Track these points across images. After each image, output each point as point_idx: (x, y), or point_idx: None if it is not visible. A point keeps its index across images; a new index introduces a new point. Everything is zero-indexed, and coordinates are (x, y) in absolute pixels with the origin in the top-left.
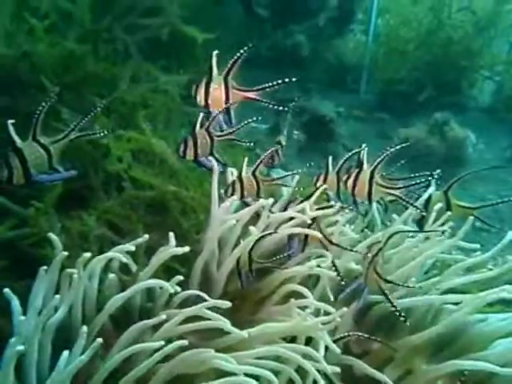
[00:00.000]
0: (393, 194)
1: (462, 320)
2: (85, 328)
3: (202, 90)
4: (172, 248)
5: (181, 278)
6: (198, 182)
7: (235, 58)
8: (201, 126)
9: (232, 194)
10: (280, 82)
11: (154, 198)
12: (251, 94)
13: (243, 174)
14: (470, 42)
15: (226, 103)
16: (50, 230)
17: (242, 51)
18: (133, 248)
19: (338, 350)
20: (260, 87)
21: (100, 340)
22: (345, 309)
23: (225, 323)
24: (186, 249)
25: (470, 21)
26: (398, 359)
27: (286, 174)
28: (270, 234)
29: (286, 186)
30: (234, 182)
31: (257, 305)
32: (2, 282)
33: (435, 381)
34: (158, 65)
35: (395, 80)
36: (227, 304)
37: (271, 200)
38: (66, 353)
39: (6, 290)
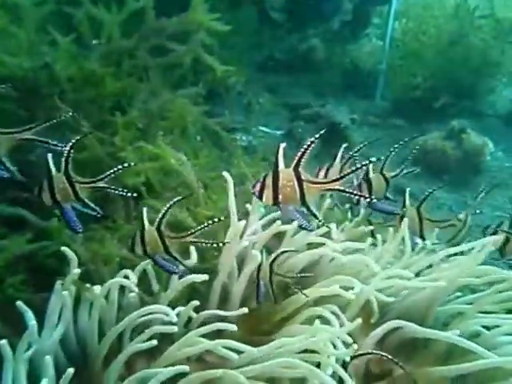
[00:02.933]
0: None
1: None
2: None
3: (269, 187)
4: (193, 276)
5: (197, 303)
6: (218, 197)
7: (305, 147)
8: None
9: None
10: (362, 165)
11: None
12: (329, 186)
13: None
14: (490, 48)
15: (301, 198)
16: (71, 241)
17: (311, 140)
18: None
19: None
20: (337, 177)
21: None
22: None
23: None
24: (206, 277)
25: (492, 28)
26: None
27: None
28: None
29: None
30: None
31: (274, 326)
32: (19, 294)
33: None
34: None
35: (411, 86)
36: (244, 311)
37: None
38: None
39: (19, 303)
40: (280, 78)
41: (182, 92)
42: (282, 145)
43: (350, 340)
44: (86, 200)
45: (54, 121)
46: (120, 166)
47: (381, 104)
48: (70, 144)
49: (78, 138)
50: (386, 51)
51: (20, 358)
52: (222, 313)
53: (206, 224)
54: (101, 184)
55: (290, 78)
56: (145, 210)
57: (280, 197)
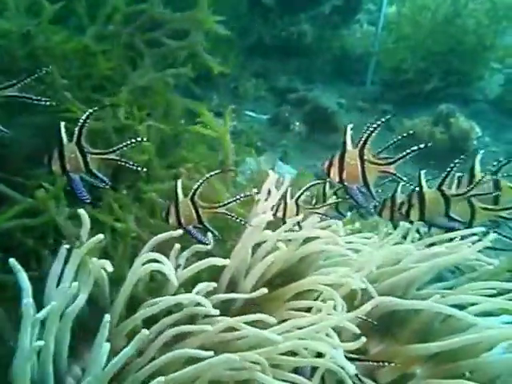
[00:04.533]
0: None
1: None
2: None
3: (336, 165)
4: (214, 259)
5: (212, 286)
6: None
7: (370, 130)
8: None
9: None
10: (413, 150)
11: None
12: (387, 168)
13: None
14: (483, 33)
15: (362, 178)
16: (57, 214)
17: (377, 123)
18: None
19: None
20: (395, 159)
21: (146, 332)
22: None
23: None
24: (226, 261)
25: (487, 11)
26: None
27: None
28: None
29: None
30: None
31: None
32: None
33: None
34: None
35: (402, 70)
36: (264, 291)
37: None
38: (107, 345)
39: (12, 260)
40: (269, 63)
41: (170, 71)
42: (350, 125)
43: (357, 330)
44: (96, 171)
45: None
46: (133, 140)
47: (370, 89)
48: (86, 114)
49: (96, 108)
50: (378, 36)
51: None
52: (235, 295)
53: (238, 197)
54: (112, 156)
55: (279, 62)
56: (179, 181)
57: (344, 175)
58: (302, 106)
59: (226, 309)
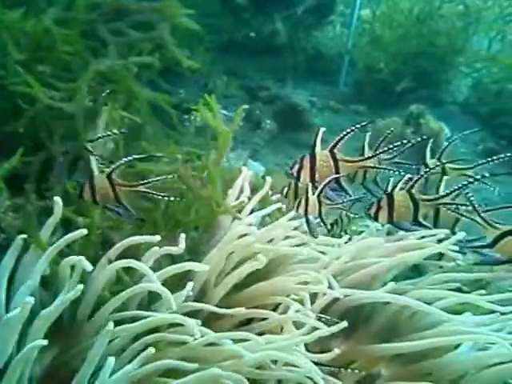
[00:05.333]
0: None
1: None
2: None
3: (307, 167)
4: (191, 264)
5: (190, 291)
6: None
7: (343, 134)
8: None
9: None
10: (395, 146)
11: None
12: (364, 163)
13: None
14: (454, 36)
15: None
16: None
17: (351, 128)
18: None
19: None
20: (369, 156)
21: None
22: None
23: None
24: (206, 267)
25: (460, 15)
26: (360, 363)
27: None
28: None
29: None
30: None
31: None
32: None
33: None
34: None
35: (375, 71)
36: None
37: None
38: (112, 360)
39: None
40: (241, 62)
41: (134, 59)
42: (322, 129)
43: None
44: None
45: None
46: (163, 176)
47: (343, 89)
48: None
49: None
50: (351, 36)
51: None
52: (209, 307)
53: (160, 177)
54: (143, 188)
55: (252, 61)
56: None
57: (316, 176)
58: (274, 104)
59: (193, 314)
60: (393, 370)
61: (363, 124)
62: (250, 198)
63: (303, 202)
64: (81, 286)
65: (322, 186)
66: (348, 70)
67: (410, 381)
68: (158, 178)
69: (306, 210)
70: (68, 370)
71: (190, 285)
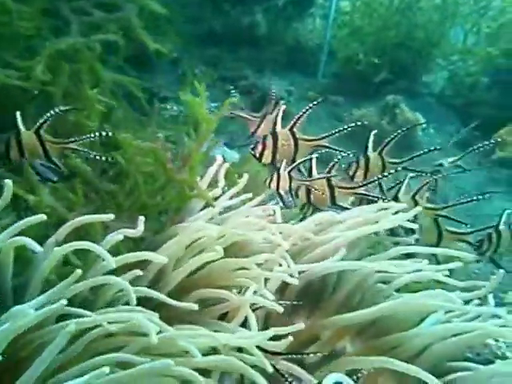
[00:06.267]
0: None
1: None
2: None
3: (269, 147)
4: (150, 254)
5: (139, 273)
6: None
7: (302, 112)
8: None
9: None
10: (346, 127)
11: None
12: (320, 142)
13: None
14: (431, 29)
15: (294, 155)
16: None
17: (310, 105)
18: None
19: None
20: (325, 135)
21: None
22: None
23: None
24: (165, 259)
25: (437, 8)
26: (324, 339)
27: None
28: None
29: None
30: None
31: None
32: None
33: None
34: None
35: (353, 62)
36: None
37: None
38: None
39: None
40: (220, 52)
41: (97, 37)
42: (283, 107)
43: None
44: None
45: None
46: (97, 133)
47: (322, 80)
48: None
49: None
50: (330, 28)
51: None
52: (163, 297)
53: (93, 135)
54: (73, 146)
55: (231, 52)
56: (18, 113)
57: (278, 156)
58: (251, 94)
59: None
60: (358, 345)
61: (318, 102)
62: (224, 188)
63: (275, 177)
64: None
65: (295, 164)
66: (327, 61)
67: (376, 355)
68: (90, 135)
69: (277, 185)
70: (16, 359)
71: (137, 272)
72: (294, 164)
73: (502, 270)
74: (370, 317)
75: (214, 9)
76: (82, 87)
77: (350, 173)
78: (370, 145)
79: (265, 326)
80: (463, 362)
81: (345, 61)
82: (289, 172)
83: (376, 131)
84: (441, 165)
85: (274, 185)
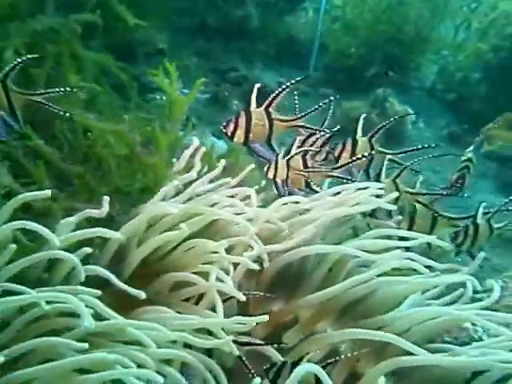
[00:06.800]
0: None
1: (369, 280)
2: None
3: (242, 127)
4: (102, 230)
5: (88, 250)
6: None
7: (278, 91)
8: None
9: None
10: (318, 106)
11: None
12: (296, 122)
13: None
14: (421, 24)
15: (269, 135)
16: None
17: (287, 84)
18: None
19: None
20: (301, 114)
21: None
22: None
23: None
24: (118, 236)
25: (428, 3)
26: (302, 322)
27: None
28: None
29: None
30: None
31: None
32: None
33: (338, 345)
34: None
35: (345, 55)
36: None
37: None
38: None
39: None
40: (212, 45)
41: (76, 17)
42: (257, 85)
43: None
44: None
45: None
46: (63, 89)
47: (313, 74)
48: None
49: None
50: (321, 21)
51: None
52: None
53: (61, 89)
54: (39, 98)
55: (223, 44)
56: None
57: (251, 135)
58: (242, 86)
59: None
60: (338, 327)
61: (297, 80)
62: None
63: (272, 166)
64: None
65: (293, 153)
66: (319, 54)
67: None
68: (57, 89)
69: (274, 174)
70: None
71: (86, 250)
72: (294, 152)
73: (482, 253)
74: (341, 291)
75: (207, 1)
76: (64, 72)
77: (336, 153)
78: (360, 129)
79: (243, 312)
80: (441, 344)
81: (336, 54)
82: (287, 160)
83: (365, 115)
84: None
85: (271, 174)
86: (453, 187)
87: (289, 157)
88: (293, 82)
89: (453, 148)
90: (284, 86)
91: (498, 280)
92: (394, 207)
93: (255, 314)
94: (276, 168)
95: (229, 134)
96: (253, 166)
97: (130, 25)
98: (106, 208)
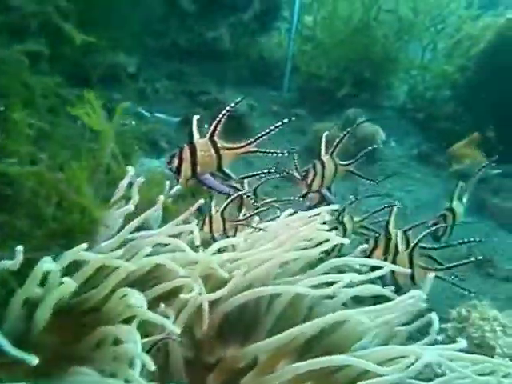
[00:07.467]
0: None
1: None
2: None
3: (187, 160)
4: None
5: None
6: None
7: (219, 118)
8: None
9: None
10: (270, 130)
11: None
12: (247, 148)
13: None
14: (390, 44)
15: (218, 165)
16: None
17: (226, 110)
18: None
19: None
20: (251, 140)
21: None
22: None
23: None
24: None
25: (394, 24)
26: (261, 364)
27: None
28: None
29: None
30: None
31: None
32: None
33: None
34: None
35: (317, 76)
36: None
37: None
38: None
39: None
40: (183, 66)
41: (20, 47)
42: (196, 116)
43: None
44: None
45: None
46: None
47: (287, 95)
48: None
49: None
50: (291, 42)
51: None
52: None
53: None
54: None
55: (195, 66)
56: None
57: (198, 168)
58: (213, 108)
59: None
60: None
61: (236, 102)
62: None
63: (207, 220)
64: None
65: (225, 203)
66: (292, 75)
67: (316, 379)
68: None
69: (210, 228)
70: None
71: None
72: (226, 202)
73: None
74: (300, 332)
75: (179, 23)
76: (11, 108)
77: (308, 181)
78: (323, 148)
79: (196, 354)
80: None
81: (308, 75)
82: (221, 212)
83: (328, 133)
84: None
85: (206, 228)
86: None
87: (222, 208)
88: (232, 105)
89: (422, 167)
90: (224, 112)
91: (462, 309)
92: (347, 241)
93: (208, 360)
94: (211, 222)
95: (173, 170)
96: (202, 201)
97: (76, 43)
98: (19, 258)
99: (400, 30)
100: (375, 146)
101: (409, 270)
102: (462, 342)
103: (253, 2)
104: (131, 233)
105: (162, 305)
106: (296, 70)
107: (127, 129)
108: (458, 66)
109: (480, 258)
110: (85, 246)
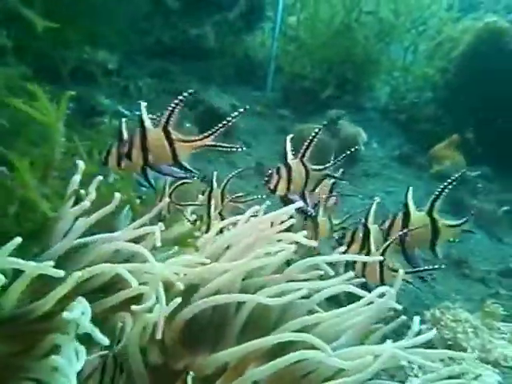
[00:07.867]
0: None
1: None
2: None
3: (137, 148)
4: None
5: None
6: None
7: (173, 105)
8: None
9: None
10: (224, 123)
11: None
12: (203, 142)
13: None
14: (371, 46)
15: (174, 157)
16: None
17: (179, 98)
18: None
19: None
20: (208, 133)
21: None
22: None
23: None
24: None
25: (375, 26)
26: (231, 369)
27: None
28: None
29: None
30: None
31: None
32: None
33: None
34: None
35: (300, 77)
36: None
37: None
38: None
39: None
40: (167, 65)
41: None
42: (144, 104)
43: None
44: None
45: None
46: None
47: (271, 95)
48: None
49: None
50: (275, 43)
51: None
52: None
53: None
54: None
55: (178, 64)
56: None
57: (150, 157)
58: (196, 108)
59: None
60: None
61: (189, 93)
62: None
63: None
64: None
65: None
66: (276, 75)
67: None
68: None
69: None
70: None
71: None
72: (225, 181)
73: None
74: (258, 346)
75: (163, 21)
76: None
77: (271, 186)
78: (289, 151)
79: (163, 361)
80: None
81: (291, 75)
82: (222, 190)
83: (293, 136)
84: None
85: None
86: None
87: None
88: (184, 95)
89: (403, 168)
90: (177, 101)
91: (436, 310)
92: (315, 243)
93: (176, 367)
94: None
95: (112, 163)
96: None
97: (38, 30)
98: None
99: (381, 31)
100: (356, 148)
101: (380, 258)
102: (433, 331)
103: (239, 1)
104: (92, 234)
105: (121, 313)
106: (280, 70)
107: (103, 127)
108: (439, 68)
109: (444, 266)
110: (19, 240)
